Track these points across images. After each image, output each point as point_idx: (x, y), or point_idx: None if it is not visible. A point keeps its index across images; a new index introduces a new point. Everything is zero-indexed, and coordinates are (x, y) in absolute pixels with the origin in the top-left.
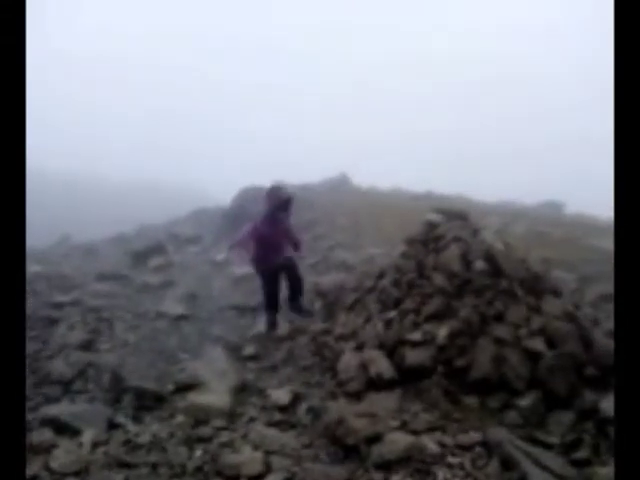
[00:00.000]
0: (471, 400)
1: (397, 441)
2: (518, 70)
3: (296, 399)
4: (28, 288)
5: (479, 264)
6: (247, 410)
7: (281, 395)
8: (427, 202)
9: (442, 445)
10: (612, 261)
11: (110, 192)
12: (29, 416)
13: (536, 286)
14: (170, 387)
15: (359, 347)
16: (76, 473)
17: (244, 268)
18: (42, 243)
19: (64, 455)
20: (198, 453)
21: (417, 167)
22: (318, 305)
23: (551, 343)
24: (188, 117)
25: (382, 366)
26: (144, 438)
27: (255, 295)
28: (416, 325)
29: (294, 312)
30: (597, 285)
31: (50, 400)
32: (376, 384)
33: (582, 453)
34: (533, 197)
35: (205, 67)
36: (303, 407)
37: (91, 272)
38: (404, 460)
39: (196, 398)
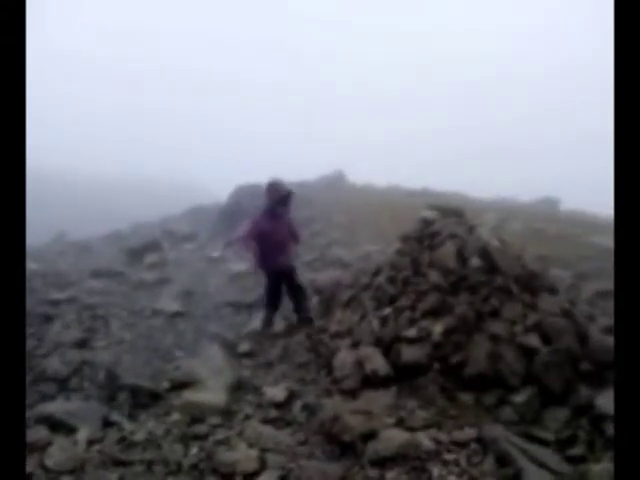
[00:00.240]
0: (466, 397)
1: (392, 438)
2: (518, 70)
3: (291, 396)
4: None
5: (474, 261)
6: (242, 407)
7: (276, 392)
8: (423, 199)
9: (437, 442)
10: (608, 258)
11: (108, 190)
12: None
13: (532, 283)
14: (165, 385)
15: (355, 344)
16: (71, 471)
17: (240, 265)
18: (39, 241)
19: (59, 453)
20: (194, 451)
21: (416, 165)
22: (315, 302)
23: (546, 339)
24: (188, 116)
25: (377, 363)
26: (139, 436)
27: (251, 292)
28: (412, 322)
29: (303, 323)
30: (593, 282)
31: (45, 398)
32: (372, 381)
33: (577, 449)
34: (529, 194)
35: (204, 66)
36: (298, 404)
37: (86, 269)
38: (399, 457)
39: (191, 396)
